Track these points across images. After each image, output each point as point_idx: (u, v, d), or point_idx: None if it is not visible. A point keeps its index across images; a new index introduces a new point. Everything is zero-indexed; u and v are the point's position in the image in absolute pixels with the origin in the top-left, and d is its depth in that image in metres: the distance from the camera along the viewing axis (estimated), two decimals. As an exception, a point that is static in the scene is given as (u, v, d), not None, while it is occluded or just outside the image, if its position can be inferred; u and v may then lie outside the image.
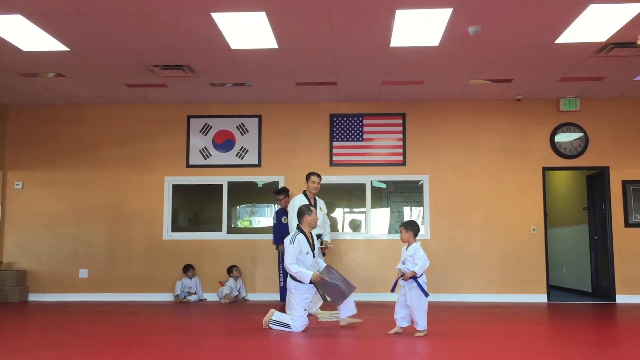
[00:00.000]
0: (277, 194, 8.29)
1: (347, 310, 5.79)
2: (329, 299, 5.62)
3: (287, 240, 5.73)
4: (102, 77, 7.75)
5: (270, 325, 5.62)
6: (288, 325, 5.56)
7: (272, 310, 5.73)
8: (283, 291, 7.78)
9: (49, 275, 8.85)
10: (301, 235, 5.70)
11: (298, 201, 6.89)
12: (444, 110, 8.90)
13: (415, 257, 5.24)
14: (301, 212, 5.82)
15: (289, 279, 5.76)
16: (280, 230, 7.92)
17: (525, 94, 8.58)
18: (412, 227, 5.40)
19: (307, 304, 5.67)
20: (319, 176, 7.16)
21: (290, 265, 5.59)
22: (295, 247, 5.61)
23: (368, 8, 5.57)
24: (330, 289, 5.59)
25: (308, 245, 5.69)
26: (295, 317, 5.57)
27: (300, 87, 8.20)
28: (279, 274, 8.12)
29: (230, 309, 7.62)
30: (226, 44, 6.47)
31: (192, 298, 8.50)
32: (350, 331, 5.61)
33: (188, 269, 8.59)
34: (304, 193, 7.11)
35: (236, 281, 8.57)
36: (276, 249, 8.15)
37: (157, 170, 8.99)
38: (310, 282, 5.55)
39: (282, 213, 8.10)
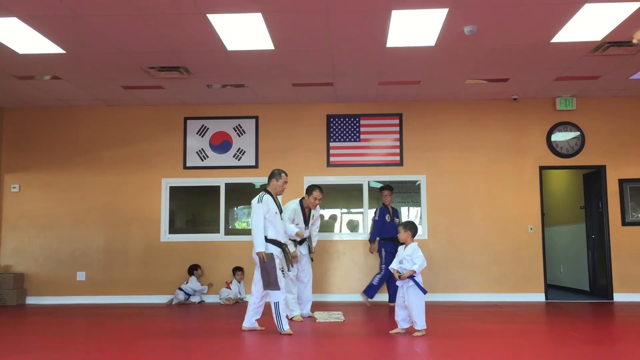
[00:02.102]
0: (382, 189, 8.11)
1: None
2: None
3: (254, 200, 5.53)
4: (98, 79, 7.74)
5: (279, 326, 5.41)
6: (276, 304, 5.40)
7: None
8: (392, 291, 7.71)
9: (47, 278, 8.82)
10: (267, 195, 5.58)
11: (294, 204, 6.75)
12: (441, 110, 8.91)
13: (414, 257, 5.28)
14: (272, 175, 5.71)
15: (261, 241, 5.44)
16: (379, 228, 7.88)
17: (522, 94, 8.59)
18: (410, 228, 5.45)
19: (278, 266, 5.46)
20: (321, 192, 6.65)
21: (258, 226, 5.39)
22: (264, 206, 5.47)
23: (364, 8, 5.57)
24: (266, 272, 5.41)
25: (275, 206, 5.57)
26: (271, 292, 5.42)
27: (297, 88, 8.20)
28: (377, 273, 7.86)
29: (231, 310, 7.61)
30: (222, 45, 6.47)
31: (194, 299, 8.50)
32: (350, 331, 5.61)
33: (197, 268, 8.58)
34: (301, 201, 6.78)
35: (239, 283, 8.59)
36: (370, 247, 7.99)
37: (154, 172, 8.98)
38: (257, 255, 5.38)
39: (385, 211, 7.97)
